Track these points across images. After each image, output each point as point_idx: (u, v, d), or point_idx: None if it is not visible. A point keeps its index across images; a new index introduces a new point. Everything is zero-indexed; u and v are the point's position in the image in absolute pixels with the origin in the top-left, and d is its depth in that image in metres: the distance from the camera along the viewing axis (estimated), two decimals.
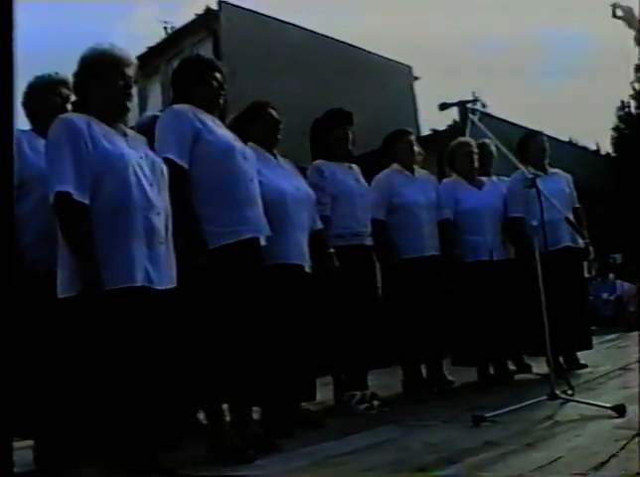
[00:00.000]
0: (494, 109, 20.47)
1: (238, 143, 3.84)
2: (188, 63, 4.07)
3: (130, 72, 3.26)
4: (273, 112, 4.52)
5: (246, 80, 17.68)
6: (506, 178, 6.09)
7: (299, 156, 5.12)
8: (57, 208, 2.94)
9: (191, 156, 3.62)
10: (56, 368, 3.08)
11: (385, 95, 21.95)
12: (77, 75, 3.27)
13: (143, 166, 3.13)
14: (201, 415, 3.92)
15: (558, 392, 3.96)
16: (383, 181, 5.46)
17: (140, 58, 23.73)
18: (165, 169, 3.31)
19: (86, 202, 2.93)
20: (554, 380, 4.00)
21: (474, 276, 5.45)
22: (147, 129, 4.41)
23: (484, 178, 5.90)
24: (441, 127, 16.27)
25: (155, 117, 4.42)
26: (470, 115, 4.63)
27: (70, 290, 2.91)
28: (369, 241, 5.04)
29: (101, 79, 3.18)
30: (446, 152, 6.00)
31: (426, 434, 3.76)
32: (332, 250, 4.64)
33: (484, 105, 18.39)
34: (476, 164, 5.77)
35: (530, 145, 5.94)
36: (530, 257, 4.32)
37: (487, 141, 6.16)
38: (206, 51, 20.93)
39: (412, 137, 5.60)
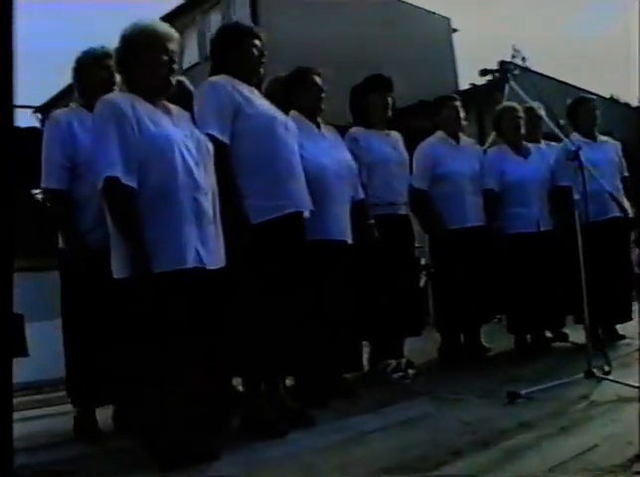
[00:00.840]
0: (534, 63, 20.04)
1: (278, 114, 3.80)
2: (226, 31, 3.97)
3: (173, 46, 3.22)
4: (317, 79, 4.46)
5: (283, 31, 17.58)
6: (555, 144, 5.98)
7: (336, 113, 5.06)
8: (105, 193, 2.95)
9: (232, 130, 3.60)
10: (114, 344, 3.19)
11: (423, 48, 21.64)
12: (118, 51, 3.24)
13: (189, 145, 3.11)
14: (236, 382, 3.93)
15: (594, 369, 3.92)
16: (426, 151, 5.40)
17: (177, 8, 23.69)
18: (210, 146, 3.29)
19: (134, 185, 2.94)
20: (591, 356, 3.96)
21: (519, 248, 5.37)
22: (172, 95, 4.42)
23: (531, 145, 5.72)
24: (481, 82, 16.07)
25: (180, 83, 4.39)
26: (511, 83, 4.55)
27: (122, 272, 2.95)
28: (404, 210, 5.03)
29: (144, 55, 3.15)
30: (493, 116, 5.87)
31: (461, 411, 3.76)
32: (372, 221, 4.62)
33: (524, 59, 18.06)
34: (523, 130, 5.61)
35: (580, 111, 5.76)
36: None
37: (536, 105, 6.05)
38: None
39: (458, 103, 5.49)
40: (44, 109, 17.73)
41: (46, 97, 25.97)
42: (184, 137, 3.12)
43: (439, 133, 5.47)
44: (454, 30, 24.84)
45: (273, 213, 3.59)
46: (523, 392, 3.83)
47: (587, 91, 5.93)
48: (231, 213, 3.43)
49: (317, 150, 4.28)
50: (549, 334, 5.79)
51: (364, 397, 4.29)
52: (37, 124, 13.30)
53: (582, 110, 5.76)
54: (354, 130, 4.97)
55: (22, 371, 5.46)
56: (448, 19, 24.64)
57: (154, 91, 3.18)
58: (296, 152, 3.82)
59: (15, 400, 4.80)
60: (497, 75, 4.51)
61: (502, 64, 4.49)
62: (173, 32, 3.25)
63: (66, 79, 4.13)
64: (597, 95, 9.89)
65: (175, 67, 3.22)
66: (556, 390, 3.88)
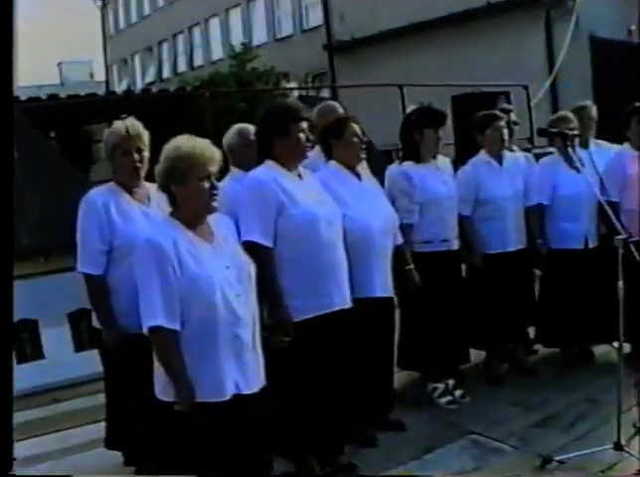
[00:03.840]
0: None
1: (322, 209, 3.97)
2: (272, 113, 4.08)
3: (214, 168, 3.27)
4: (357, 129, 4.54)
5: None
6: (605, 144, 5.95)
7: None
8: (151, 338, 3.19)
9: (275, 229, 3.82)
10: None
11: None
12: (161, 173, 3.32)
13: (230, 278, 3.25)
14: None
15: (623, 441, 4.12)
16: (469, 175, 5.49)
17: None
18: (252, 269, 3.39)
19: (177, 327, 3.15)
20: (620, 423, 4.15)
21: (565, 264, 5.50)
22: (234, 148, 4.59)
23: (582, 153, 5.60)
24: None
25: (241, 134, 4.56)
26: None
27: (166, 395, 3.22)
28: (456, 245, 5.19)
29: (186, 182, 3.23)
30: (547, 125, 5.84)
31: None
32: (412, 267, 4.81)
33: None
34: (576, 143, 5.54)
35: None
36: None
37: (587, 104, 6.00)
38: None
39: (503, 123, 5.50)
40: None
41: None
42: (225, 270, 3.24)
43: (482, 154, 5.54)
44: None
45: (314, 311, 3.88)
46: (556, 458, 4.10)
47: None
48: (273, 314, 3.74)
49: (361, 206, 4.43)
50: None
51: (410, 431, 4.68)
52: None
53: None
54: (406, 167, 5.10)
55: (38, 374, 6.08)
56: None
57: (196, 218, 3.30)
58: (339, 245, 4.03)
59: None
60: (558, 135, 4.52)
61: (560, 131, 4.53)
62: (215, 153, 3.29)
63: None
64: None
65: (216, 192, 3.27)
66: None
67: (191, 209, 3.28)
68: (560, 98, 16.07)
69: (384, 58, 19.99)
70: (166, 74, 35.14)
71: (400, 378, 5.24)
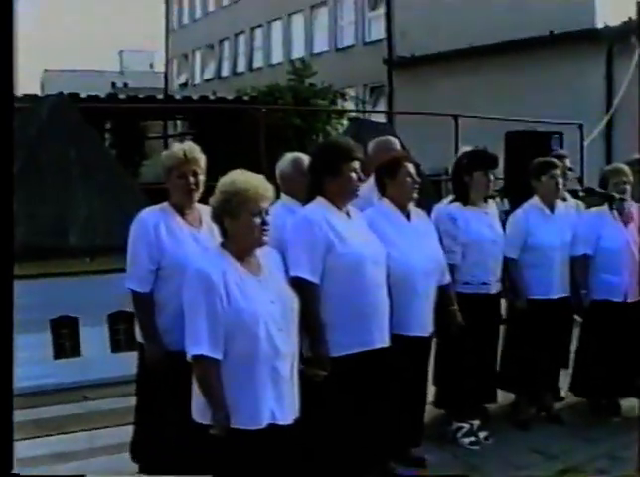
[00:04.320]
0: None
1: (368, 249, 4.08)
2: (324, 151, 4.23)
3: (266, 204, 3.37)
4: (411, 169, 4.64)
5: None
6: None
7: None
8: (193, 365, 3.30)
9: (323, 267, 3.94)
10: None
11: None
12: (214, 206, 3.40)
13: (274, 313, 3.34)
14: None
15: None
16: (520, 219, 5.54)
17: None
18: (296, 304, 3.49)
19: (219, 357, 3.25)
20: None
21: (604, 316, 5.53)
22: (287, 177, 4.67)
23: (634, 205, 5.69)
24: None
25: (295, 164, 4.64)
26: None
27: (203, 418, 3.32)
28: (494, 290, 5.25)
29: (239, 216, 3.33)
30: (600, 175, 5.87)
31: None
32: (456, 307, 4.87)
33: None
34: (628, 195, 5.59)
35: None
36: None
37: None
38: None
39: (559, 171, 5.53)
40: None
41: None
42: (270, 305, 3.34)
43: (535, 199, 5.57)
44: None
45: (355, 348, 4.00)
46: None
47: None
48: (313, 347, 3.86)
49: (406, 247, 4.52)
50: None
51: (430, 472, 4.72)
52: None
53: None
54: (453, 209, 5.18)
55: (74, 370, 6.29)
56: None
57: (246, 252, 3.41)
58: (383, 285, 4.14)
59: None
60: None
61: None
62: (269, 190, 3.40)
63: None
64: None
65: (267, 227, 3.37)
66: None
67: (241, 243, 3.39)
68: (615, 137, 15.94)
69: (442, 78, 20.05)
70: (225, 72, 35.44)
71: (426, 414, 5.28)
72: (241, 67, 34.01)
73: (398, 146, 5.42)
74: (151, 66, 51.12)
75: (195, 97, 15.44)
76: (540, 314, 5.39)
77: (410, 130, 15.76)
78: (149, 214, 4.14)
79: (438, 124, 11.66)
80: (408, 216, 4.67)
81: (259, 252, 3.46)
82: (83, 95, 13.15)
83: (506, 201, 7.34)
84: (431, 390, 5.27)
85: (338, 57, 26.85)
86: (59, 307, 6.41)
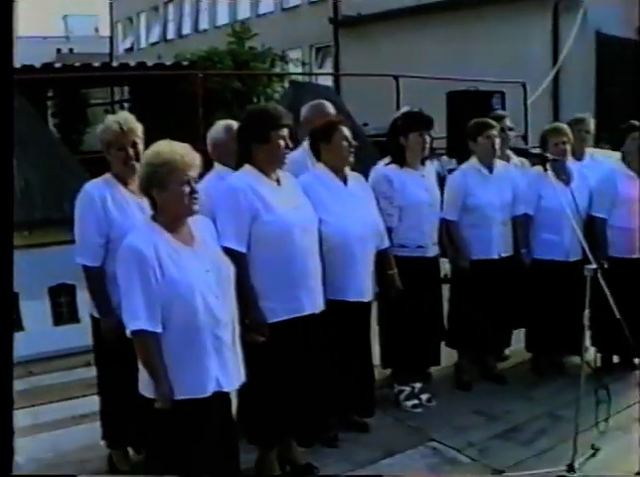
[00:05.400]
0: None
1: (297, 215, 4.04)
2: (252, 119, 4.15)
3: (194, 173, 3.36)
4: (347, 133, 4.59)
5: None
6: (602, 155, 6.00)
7: None
8: (133, 340, 3.29)
9: (250, 235, 3.92)
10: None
11: None
12: (142, 178, 3.40)
13: (210, 281, 3.35)
14: None
15: (576, 463, 4.14)
16: (458, 181, 5.55)
17: None
18: (231, 270, 3.50)
19: (158, 330, 3.25)
20: (576, 449, 4.14)
21: (546, 275, 5.59)
22: (219, 144, 4.60)
23: (575, 164, 5.73)
24: None
25: (227, 131, 4.56)
26: None
27: (148, 392, 3.32)
28: (431, 253, 5.25)
29: (166, 187, 3.31)
30: (540, 136, 5.88)
31: None
32: (395, 271, 4.88)
33: None
34: (568, 154, 5.62)
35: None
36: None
37: (586, 117, 6.04)
38: None
39: (495, 132, 5.51)
40: None
41: None
42: (205, 274, 3.35)
43: (473, 161, 5.57)
44: None
45: (286, 314, 4.01)
46: (508, 474, 4.21)
47: None
48: (248, 314, 3.86)
49: (342, 212, 4.50)
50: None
51: (372, 433, 4.79)
52: None
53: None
54: (389, 171, 5.15)
55: (17, 345, 6.20)
56: None
57: (177, 222, 3.39)
58: (314, 251, 4.13)
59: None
60: None
61: None
62: (195, 159, 3.38)
63: None
64: None
65: (196, 195, 3.35)
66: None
67: (171, 213, 3.37)
68: (562, 94, 16.05)
69: (388, 36, 19.92)
70: (170, 35, 34.88)
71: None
72: (187, 29, 33.49)
73: (332, 110, 5.33)
74: (96, 30, 50.06)
75: (139, 62, 15.17)
76: (483, 274, 5.43)
77: (356, 91, 15.78)
78: (94, 186, 4.10)
79: (383, 84, 11.60)
80: (345, 180, 4.63)
81: (191, 222, 3.45)
82: (17, 65, 12.81)
83: (454, 161, 7.37)
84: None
85: (284, 17, 26.57)
86: None
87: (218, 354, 3.37)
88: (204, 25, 32.00)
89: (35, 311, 6.43)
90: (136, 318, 3.24)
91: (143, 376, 3.35)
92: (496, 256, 5.49)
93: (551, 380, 5.61)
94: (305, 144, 5.03)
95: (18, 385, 5.65)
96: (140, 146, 4.07)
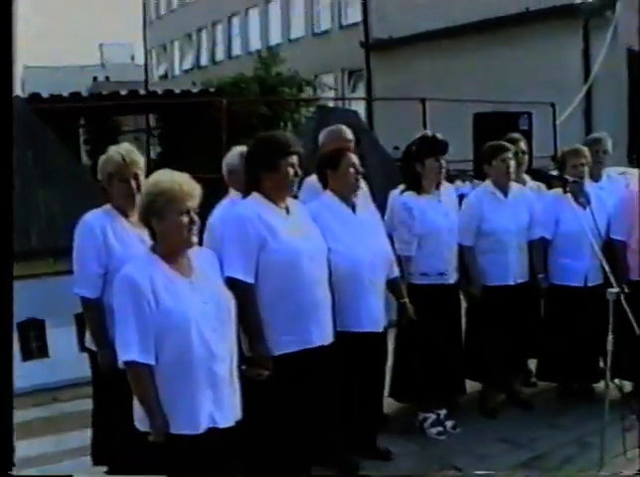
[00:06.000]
0: None
1: (305, 244, 3.97)
2: (260, 146, 4.08)
3: (192, 204, 3.30)
4: (353, 160, 4.53)
5: None
6: (615, 171, 5.88)
7: None
8: (127, 372, 3.24)
9: (257, 265, 3.85)
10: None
11: None
12: (141, 207, 3.36)
13: (207, 313, 3.28)
14: None
15: None
16: (473, 205, 5.44)
17: None
18: (232, 305, 3.42)
19: (151, 362, 3.20)
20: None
21: (565, 301, 5.46)
22: (234, 170, 4.58)
23: (592, 185, 5.58)
24: None
25: (242, 156, 4.52)
26: None
27: (143, 426, 3.27)
28: (452, 279, 5.17)
29: (165, 217, 3.27)
30: (558, 157, 5.79)
31: None
32: (406, 300, 4.78)
33: None
34: (586, 176, 5.50)
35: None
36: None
37: (603, 136, 5.94)
38: None
39: (510, 154, 5.41)
40: None
41: None
42: (202, 305, 3.27)
43: (488, 184, 5.47)
44: None
45: (294, 347, 3.92)
46: None
47: None
48: (253, 348, 3.82)
49: (351, 240, 4.43)
50: None
51: (396, 460, 4.70)
52: None
53: None
54: (407, 199, 5.09)
55: (42, 372, 6.25)
56: None
57: (175, 253, 3.34)
58: (322, 281, 4.05)
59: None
60: None
61: None
62: (195, 189, 3.32)
63: None
64: None
65: (195, 227, 3.31)
66: None
67: (170, 243, 3.33)
68: (594, 112, 15.87)
69: (419, 59, 19.91)
70: (204, 61, 35.24)
71: (393, 406, 5.29)
72: (220, 56, 33.81)
73: (350, 135, 5.30)
74: (132, 58, 50.88)
75: (166, 89, 15.31)
76: (498, 301, 5.30)
77: (388, 114, 15.77)
78: (94, 217, 4.08)
79: (414, 107, 11.57)
80: (353, 208, 4.57)
81: (191, 253, 3.40)
82: (45, 95, 13.12)
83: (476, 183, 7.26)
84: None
85: (315, 42, 26.67)
86: (25, 309, 6.34)
87: (213, 389, 3.29)
88: (236, 51, 32.31)
89: (61, 338, 6.48)
90: (129, 349, 3.19)
91: (137, 409, 3.30)
92: (512, 283, 5.36)
93: (578, 406, 5.46)
94: None
95: (42, 412, 5.77)
96: (142, 178, 4.05)
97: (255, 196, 3.99)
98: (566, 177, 4.86)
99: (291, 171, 3.95)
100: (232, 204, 4.39)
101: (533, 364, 5.87)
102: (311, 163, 5.68)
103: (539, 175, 5.26)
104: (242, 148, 4.64)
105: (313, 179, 5.07)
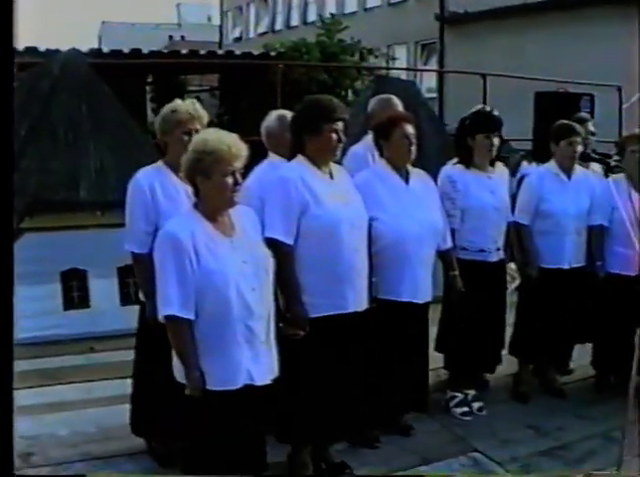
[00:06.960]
0: None
1: (346, 211, 3.96)
2: (306, 110, 4.07)
3: (239, 164, 3.32)
4: (408, 129, 4.47)
5: None
6: None
7: None
8: (166, 325, 3.30)
9: (297, 228, 3.87)
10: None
11: None
12: (187, 165, 3.36)
13: (246, 272, 3.31)
14: None
15: None
16: (533, 185, 5.31)
17: None
18: (271, 264, 3.46)
19: (191, 317, 3.25)
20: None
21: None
22: (272, 134, 4.55)
23: None
24: None
25: (280, 120, 4.50)
26: None
27: (180, 378, 3.33)
28: (494, 257, 5.03)
29: (211, 176, 3.29)
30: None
31: None
32: (456, 273, 4.74)
33: None
34: None
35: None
36: None
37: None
38: None
39: (580, 139, 5.24)
40: None
41: None
42: (242, 264, 3.30)
43: (552, 164, 5.32)
44: None
45: (328, 310, 3.93)
46: None
47: None
48: (290, 308, 3.84)
49: (399, 210, 4.39)
50: None
51: (415, 436, 4.67)
52: None
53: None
54: (453, 172, 4.99)
55: (83, 322, 6.36)
56: None
57: (217, 212, 3.37)
58: (361, 248, 4.03)
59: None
60: None
61: None
62: (242, 150, 3.33)
63: None
64: None
65: (239, 187, 3.33)
66: None
67: (213, 203, 3.36)
68: None
69: (493, 35, 19.63)
70: (279, 26, 35.18)
71: None
72: (295, 21, 33.70)
73: (399, 105, 5.23)
74: (209, 19, 51.07)
75: (227, 51, 15.27)
76: (551, 283, 5.19)
77: (459, 88, 15.51)
78: (144, 175, 4.13)
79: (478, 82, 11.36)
80: (407, 178, 4.53)
81: (233, 212, 3.44)
82: (126, 50, 13.25)
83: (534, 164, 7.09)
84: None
85: (390, 12, 26.44)
86: (69, 260, 6.47)
87: (250, 346, 3.34)
88: (312, 17, 32.15)
89: (103, 290, 6.58)
90: (169, 303, 3.24)
91: (176, 362, 3.36)
92: (566, 267, 5.23)
93: (612, 399, 5.28)
94: (367, 139, 4.92)
95: (76, 360, 5.88)
96: None
97: (300, 159, 4.00)
98: (608, 161, 4.66)
99: (334, 136, 3.93)
100: (270, 167, 4.37)
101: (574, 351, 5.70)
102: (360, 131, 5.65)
103: (584, 157, 5.07)
104: (280, 111, 4.63)
105: (357, 148, 5.00)
